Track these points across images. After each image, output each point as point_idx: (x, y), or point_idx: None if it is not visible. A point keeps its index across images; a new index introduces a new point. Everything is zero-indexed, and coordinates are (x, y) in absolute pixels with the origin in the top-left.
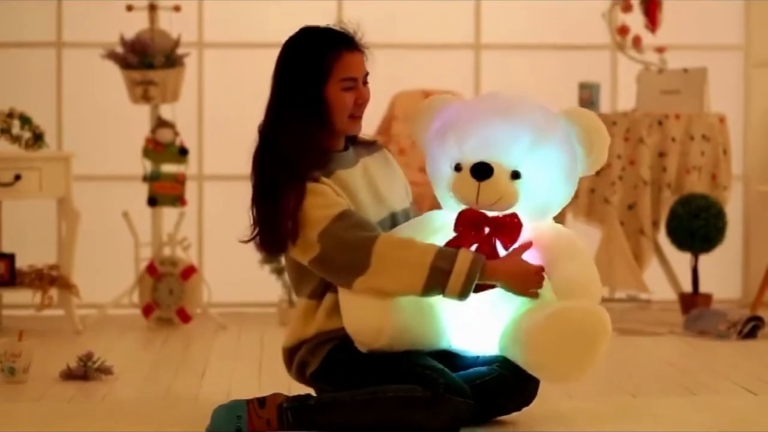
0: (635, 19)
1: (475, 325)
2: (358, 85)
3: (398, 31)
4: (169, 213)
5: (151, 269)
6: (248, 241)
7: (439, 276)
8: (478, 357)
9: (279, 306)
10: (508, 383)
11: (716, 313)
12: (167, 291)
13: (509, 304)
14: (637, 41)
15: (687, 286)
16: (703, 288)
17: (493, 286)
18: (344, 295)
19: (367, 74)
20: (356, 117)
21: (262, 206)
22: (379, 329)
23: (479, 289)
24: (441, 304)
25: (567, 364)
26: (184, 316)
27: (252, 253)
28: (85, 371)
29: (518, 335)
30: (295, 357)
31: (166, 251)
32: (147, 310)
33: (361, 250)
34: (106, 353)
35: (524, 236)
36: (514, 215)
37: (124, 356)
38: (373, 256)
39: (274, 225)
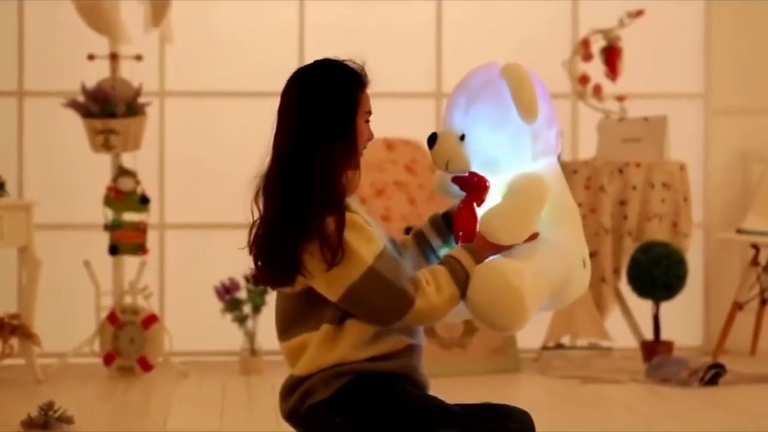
0: (596, 68)
1: None
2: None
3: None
4: (130, 261)
5: (112, 318)
6: (257, 277)
7: (465, 285)
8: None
9: (241, 354)
10: None
11: (678, 361)
12: (128, 340)
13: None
14: (597, 90)
15: (648, 334)
16: (665, 335)
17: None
18: (477, 289)
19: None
20: (363, 150)
21: (279, 236)
22: (522, 315)
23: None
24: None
25: (496, 320)
26: (146, 365)
27: (213, 302)
28: (46, 421)
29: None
30: (302, 385)
31: (128, 300)
32: (108, 359)
33: (396, 310)
34: (68, 402)
35: (493, 193)
36: (473, 174)
37: (86, 405)
38: (404, 319)
39: (291, 255)
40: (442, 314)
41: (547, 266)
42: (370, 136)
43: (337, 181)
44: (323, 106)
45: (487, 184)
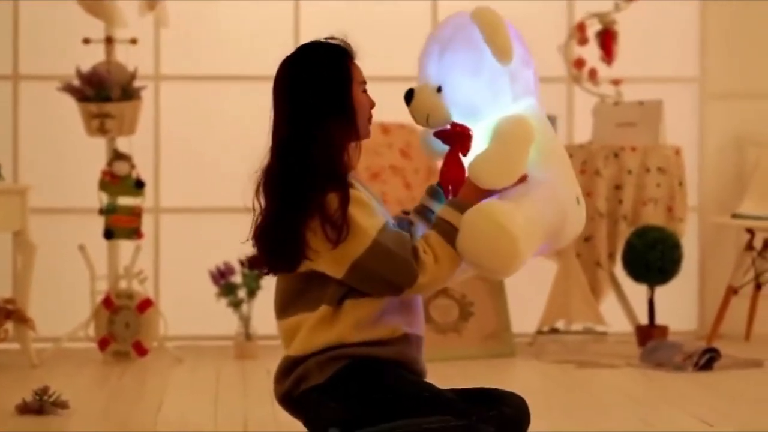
0: (591, 52)
1: None
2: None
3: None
4: (125, 246)
5: (107, 302)
6: (255, 263)
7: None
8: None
9: (236, 339)
10: (508, 420)
11: (672, 345)
12: (123, 324)
13: None
14: (593, 74)
15: (643, 318)
16: (660, 320)
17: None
18: (468, 235)
19: None
20: (370, 120)
21: (282, 221)
22: (516, 256)
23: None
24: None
25: (490, 262)
26: (141, 350)
27: (208, 286)
28: (40, 405)
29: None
30: (296, 369)
31: (123, 284)
32: (103, 344)
33: (402, 280)
34: (62, 387)
35: (477, 141)
36: (455, 124)
37: (80, 390)
38: (412, 289)
39: (294, 238)
40: (447, 279)
41: (540, 207)
42: (372, 104)
43: (337, 158)
44: (315, 85)
45: (470, 132)
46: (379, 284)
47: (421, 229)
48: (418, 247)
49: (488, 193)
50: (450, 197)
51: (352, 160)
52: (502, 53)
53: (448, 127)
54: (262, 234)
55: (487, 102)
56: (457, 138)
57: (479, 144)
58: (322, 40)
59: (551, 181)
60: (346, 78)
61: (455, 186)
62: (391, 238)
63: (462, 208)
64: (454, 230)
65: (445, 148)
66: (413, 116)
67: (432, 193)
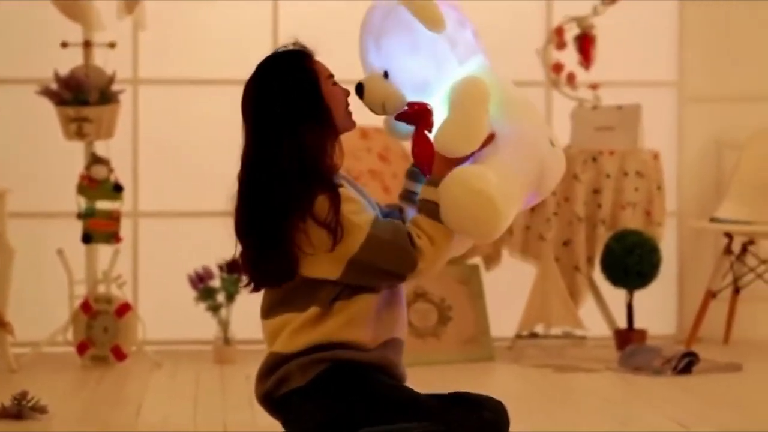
0: (569, 56)
1: None
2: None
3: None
4: (103, 250)
5: (85, 307)
6: (252, 284)
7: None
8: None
9: (214, 344)
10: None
11: (651, 349)
12: (102, 329)
13: None
14: (571, 78)
15: (622, 322)
16: (638, 324)
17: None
18: (446, 206)
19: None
20: (349, 111)
21: (269, 234)
22: (498, 216)
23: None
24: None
25: (475, 226)
26: (119, 354)
27: (187, 291)
28: (19, 410)
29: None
30: (279, 369)
31: (101, 288)
32: (81, 348)
33: (404, 268)
34: (41, 392)
35: (438, 114)
36: (411, 104)
37: (59, 395)
38: (413, 274)
39: (286, 250)
40: (447, 255)
41: (513, 160)
42: (347, 93)
43: (319, 162)
44: (282, 95)
45: (429, 107)
46: (379, 276)
47: (410, 213)
48: (411, 233)
49: (460, 162)
50: (423, 180)
51: (337, 158)
52: (433, 23)
53: (406, 108)
54: (250, 258)
55: (434, 74)
56: (418, 116)
57: (440, 115)
58: (277, 51)
59: (518, 132)
60: (311, 78)
61: (429, 163)
62: (385, 229)
63: (438, 183)
64: (437, 207)
65: (411, 128)
66: (369, 107)
67: (411, 175)
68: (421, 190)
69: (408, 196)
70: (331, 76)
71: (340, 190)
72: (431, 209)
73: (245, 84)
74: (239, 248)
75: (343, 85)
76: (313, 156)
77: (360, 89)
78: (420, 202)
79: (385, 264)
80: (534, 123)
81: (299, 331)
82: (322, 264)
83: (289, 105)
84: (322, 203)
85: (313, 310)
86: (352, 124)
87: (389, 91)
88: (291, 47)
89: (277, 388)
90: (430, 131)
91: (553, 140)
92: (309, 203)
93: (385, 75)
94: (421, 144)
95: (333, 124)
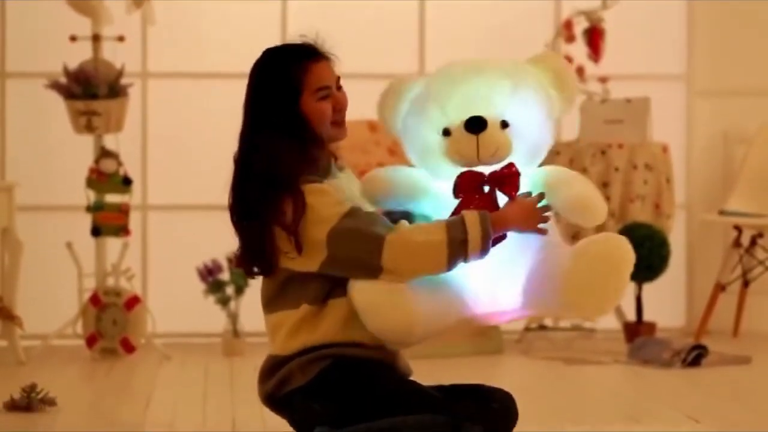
0: (578, 50)
1: (495, 283)
2: (332, 92)
3: (342, 60)
4: (112, 243)
5: (94, 300)
6: (243, 268)
7: (459, 247)
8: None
9: (223, 336)
10: (495, 415)
11: (660, 342)
12: (111, 321)
13: (522, 253)
14: (580, 71)
15: (631, 315)
16: (647, 317)
17: (503, 238)
18: (361, 301)
19: (338, 79)
20: (338, 123)
21: (247, 229)
22: (410, 324)
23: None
24: (455, 276)
25: (602, 298)
26: (128, 347)
27: (196, 283)
28: (28, 402)
29: (548, 282)
30: (280, 370)
31: (110, 282)
32: (91, 341)
33: (372, 253)
34: (50, 384)
35: (524, 184)
36: (510, 165)
37: (68, 387)
38: (384, 258)
39: (262, 244)
40: (421, 253)
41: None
42: (339, 106)
43: (281, 166)
44: (262, 99)
45: (521, 176)
46: (352, 266)
47: None
48: (389, 227)
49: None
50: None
51: (323, 160)
52: (571, 102)
53: (503, 165)
54: (240, 253)
55: (547, 147)
56: (509, 178)
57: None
58: (282, 44)
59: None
60: (291, 89)
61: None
62: (357, 217)
63: (485, 219)
64: (461, 225)
65: (456, 173)
66: (481, 144)
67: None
68: (470, 213)
69: None
70: (325, 87)
71: (314, 185)
72: (455, 223)
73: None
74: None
75: (353, 80)
76: (283, 163)
77: (481, 125)
78: (455, 216)
79: (353, 251)
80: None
81: (296, 332)
82: (300, 258)
83: (265, 112)
84: (286, 207)
85: (305, 308)
86: (340, 134)
87: (505, 142)
88: (298, 42)
89: (279, 388)
90: (511, 197)
91: None
92: (274, 208)
93: (503, 125)
94: (490, 208)
95: (310, 137)
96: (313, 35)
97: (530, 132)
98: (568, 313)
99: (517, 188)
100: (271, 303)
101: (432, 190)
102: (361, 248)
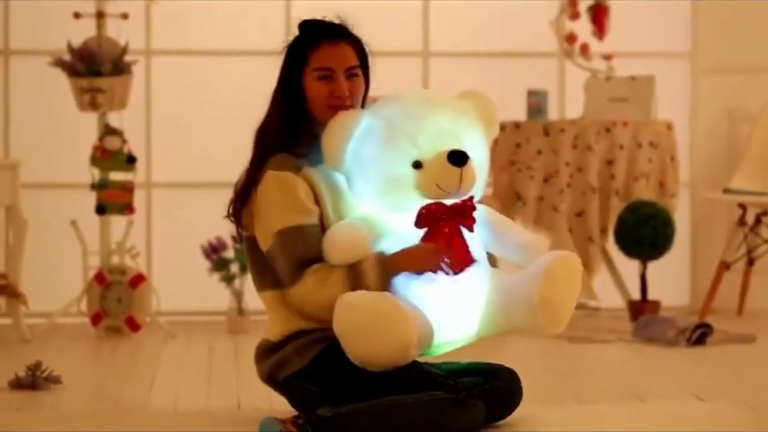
0: (583, 27)
1: (460, 310)
2: (335, 76)
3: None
4: (117, 221)
5: (99, 278)
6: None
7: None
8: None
9: (228, 314)
10: (499, 393)
11: (665, 321)
12: (116, 299)
13: (484, 283)
14: (584, 49)
15: (635, 294)
16: (652, 295)
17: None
18: (350, 328)
19: (353, 66)
20: (335, 107)
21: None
22: (406, 346)
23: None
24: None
25: (567, 317)
26: (133, 325)
27: (201, 261)
28: (33, 380)
29: (518, 305)
30: (276, 353)
31: (115, 260)
32: (95, 319)
33: (291, 275)
34: (55, 362)
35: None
36: (470, 198)
37: (73, 365)
38: (297, 288)
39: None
40: (319, 307)
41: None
42: (338, 92)
43: (271, 135)
44: (281, 69)
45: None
46: (279, 274)
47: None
48: (312, 266)
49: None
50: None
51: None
52: (492, 138)
53: (465, 198)
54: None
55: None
56: (469, 210)
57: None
58: (313, 19)
59: None
60: (294, 63)
61: (464, 263)
62: (285, 245)
63: (386, 267)
64: (363, 280)
65: (418, 206)
66: (464, 177)
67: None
68: (371, 263)
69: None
70: (324, 69)
71: (282, 174)
72: (357, 277)
73: None
74: None
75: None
76: (266, 125)
77: (464, 159)
78: (359, 266)
79: (278, 267)
80: None
81: (280, 319)
82: (258, 228)
83: (279, 76)
84: (248, 170)
85: (270, 294)
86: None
87: (473, 176)
88: (323, 20)
89: (277, 371)
90: (469, 229)
91: None
92: (256, 165)
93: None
94: (457, 239)
95: (301, 112)
96: (343, 16)
97: (483, 166)
98: (529, 333)
99: (473, 220)
100: (255, 280)
101: (389, 229)
102: (280, 271)
